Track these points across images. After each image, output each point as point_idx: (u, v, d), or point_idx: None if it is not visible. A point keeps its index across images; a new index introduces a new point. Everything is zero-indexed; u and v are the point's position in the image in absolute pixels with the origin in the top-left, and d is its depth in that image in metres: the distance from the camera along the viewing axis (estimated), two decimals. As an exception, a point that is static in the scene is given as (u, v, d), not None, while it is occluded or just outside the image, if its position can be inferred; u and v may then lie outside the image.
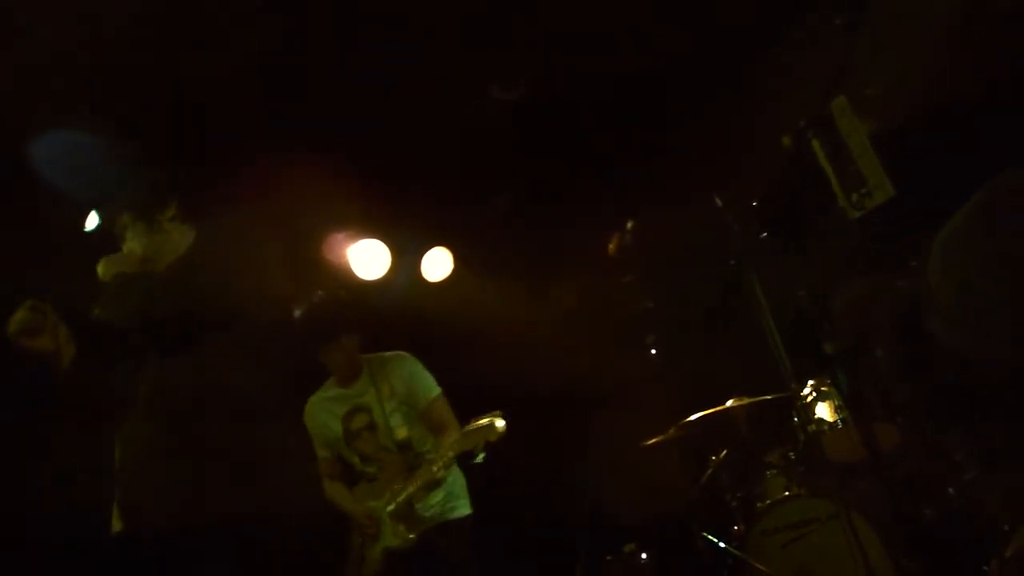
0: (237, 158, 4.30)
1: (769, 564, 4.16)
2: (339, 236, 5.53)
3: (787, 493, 4.39)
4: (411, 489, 3.93)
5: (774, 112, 3.90)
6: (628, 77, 4.91)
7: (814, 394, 4.35)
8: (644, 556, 5.06)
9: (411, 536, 3.90)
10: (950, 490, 3.82)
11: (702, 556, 4.53)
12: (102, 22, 3.60)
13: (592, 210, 5.58)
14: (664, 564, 5.09)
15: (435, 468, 3.88)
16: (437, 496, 4.05)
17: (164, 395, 2.43)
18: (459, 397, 4.34)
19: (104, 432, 2.55)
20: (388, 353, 4.32)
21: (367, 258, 5.56)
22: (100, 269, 2.58)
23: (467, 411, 4.16)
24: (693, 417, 4.59)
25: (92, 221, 4.24)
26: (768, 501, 4.40)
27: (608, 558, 5.19)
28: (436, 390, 4.19)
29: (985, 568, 2.41)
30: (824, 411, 4.32)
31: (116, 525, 2.45)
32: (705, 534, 4.53)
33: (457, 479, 4.19)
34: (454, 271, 5.85)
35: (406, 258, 5.72)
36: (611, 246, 5.31)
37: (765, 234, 2.64)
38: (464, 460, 4.00)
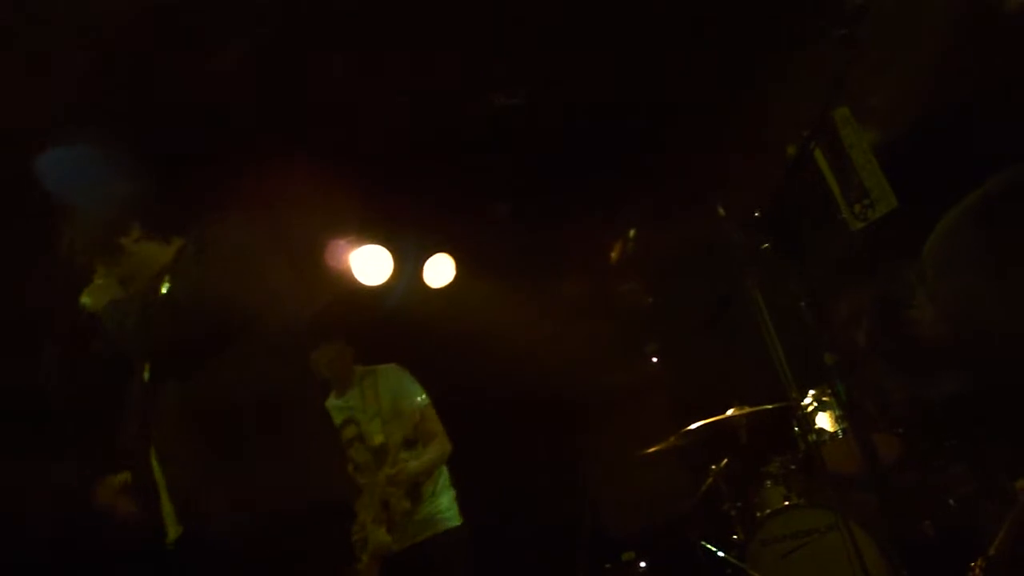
0: (238, 164, 4.31)
1: (768, 574, 4.16)
2: (341, 242, 5.54)
3: (787, 503, 4.38)
4: (387, 498, 3.96)
5: (778, 122, 3.91)
6: (632, 84, 4.92)
7: (815, 404, 4.35)
8: (643, 565, 5.06)
9: (393, 546, 3.90)
10: (950, 502, 3.82)
11: (701, 565, 4.53)
12: (97, 25, 3.60)
13: (595, 218, 5.58)
14: (663, 573, 5.08)
15: (384, 479, 3.92)
16: (424, 510, 4.05)
17: (193, 406, 2.44)
18: (460, 403, 4.34)
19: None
20: (380, 365, 4.34)
21: (369, 264, 5.57)
22: (87, 301, 2.58)
23: (467, 417, 4.18)
24: (693, 426, 4.58)
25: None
26: (767, 511, 4.40)
27: (607, 566, 5.19)
28: (421, 400, 4.18)
29: (972, 565, 2.42)
30: (825, 421, 4.32)
31: (173, 533, 2.47)
32: (704, 543, 4.53)
33: (445, 491, 4.18)
34: (456, 277, 5.85)
35: (408, 264, 5.72)
36: (613, 254, 5.32)
37: (767, 244, 2.64)
38: None
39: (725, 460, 4.63)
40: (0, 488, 4.10)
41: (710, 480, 4.66)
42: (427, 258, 5.81)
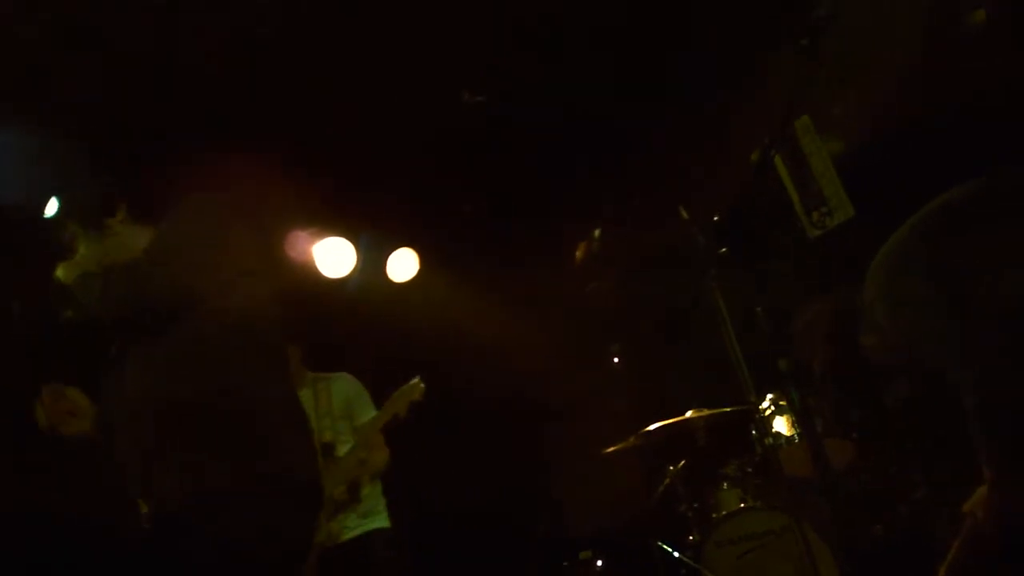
0: (200, 154, 4.26)
1: (723, 574, 4.18)
2: (304, 233, 5.50)
3: (742, 505, 4.42)
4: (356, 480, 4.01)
5: (742, 128, 3.93)
6: (599, 85, 4.93)
7: (772, 408, 4.39)
8: (599, 564, 5.07)
9: (331, 539, 3.91)
10: (900, 507, 3.86)
11: (657, 565, 4.55)
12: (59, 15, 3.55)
13: (559, 217, 5.58)
14: (619, 572, 5.10)
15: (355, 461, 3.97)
16: (353, 513, 4.06)
17: (153, 383, 2.38)
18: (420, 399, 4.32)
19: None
20: (334, 373, 4.34)
21: (332, 256, 5.53)
22: (60, 273, 2.53)
23: (427, 413, 4.17)
24: (652, 427, 4.60)
25: (52, 207, 4.17)
26: (723, 512, 4.43)
27: (564, 564, 5.20)
28: (372, 412, 4.20)
29: None
30: (782, 425, 4.35)
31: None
32: (660, 543, 4.55)
33: (375, 495, 4.18)
34: (420, 272, 5.83)
35: (371, 258, 5.69)
36: (578, 253, 5.32)
37: (725, 249, 2.65)
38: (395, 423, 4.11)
39: (683, 461, 4.66)
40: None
41: (667, 481, 4.68)
42: (391, 252, 5.78)
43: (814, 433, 3.00)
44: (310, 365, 4.33)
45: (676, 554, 4.43)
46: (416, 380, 4.15)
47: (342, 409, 4.17)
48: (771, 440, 4.34)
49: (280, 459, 2.35)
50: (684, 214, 4.06)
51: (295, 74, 4.53)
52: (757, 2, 4.27)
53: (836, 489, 3.50)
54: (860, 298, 2.01)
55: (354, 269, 5.58)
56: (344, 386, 4.28)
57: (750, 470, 4.55)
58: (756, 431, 4.46)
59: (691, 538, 4.51)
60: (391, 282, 5.77)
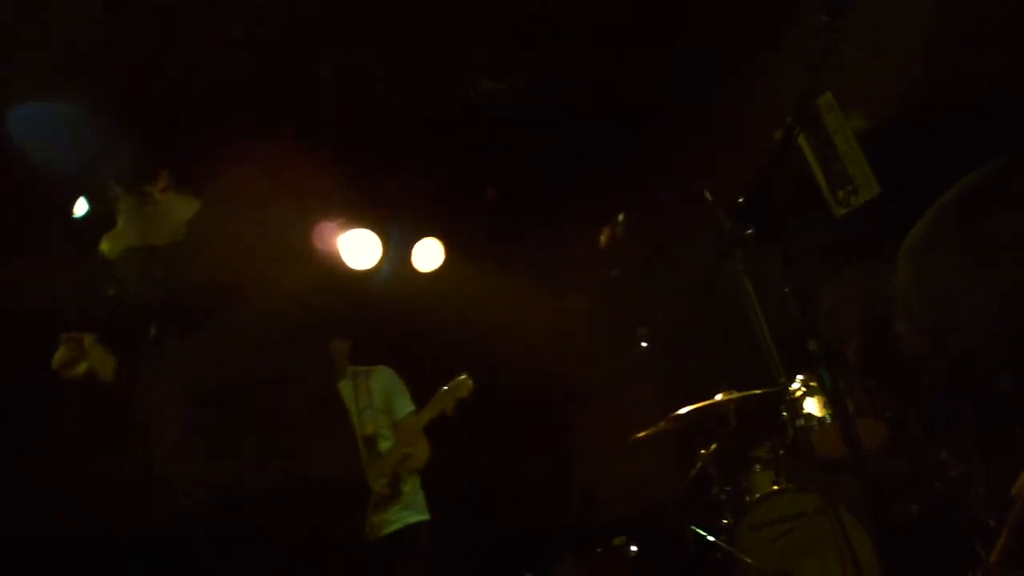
0: (224, 145, 4.28)
1: (757, 557, 4.16)
2: (330, 225, 5.51)
3: (775, 487, 4.38)
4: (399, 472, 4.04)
5: (766, 107, 3.88)
6: (621, 70, 4.89)
7: (803, 390, 4.34)
8: (633, 549, 5.07)
9: (373, 533, 3.94)
10: (936, 486, 3.82)
11: (691, 549, 4.53)
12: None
13: (583, 202, 5.55)
14: (653, 557, 5.09)
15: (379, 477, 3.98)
16: (395, 507, 4.07)
17: (191, 371, 2.34)
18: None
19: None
20: (374, 367, 4.39)
21: (358, 248, 5.54)
22: (104, 247, 2.51)
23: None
24: (683, 411, 4.58)
25: (81, 207, 4.21)
26: (756, 495, 4.40)
27: (598, 550, 5.20)
28: (411, 407, 4.25)
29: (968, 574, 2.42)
30: (813, 406, 4.31)
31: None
32: (693, 527, 4.53)
33: (414, 488, 4.20)
34: (445, 262, 5.83)
35: (397, 248, 5.70)
36: (602, 238, 5.29)
37: (750, 231, 2.62)
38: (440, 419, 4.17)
39: (714, 445, 4.62)
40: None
41: (699, 465, 4.66)
42: (416, 242, 5.78)
43: (846, 413, 2.97)
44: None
45: (710, 538, 4.40)
46: (464, 377, 4.24)
47: (382, 402, 4.21)
48: (803, 421, 4.30)
49: (320, 456, 2.31)
50: (708, 196, 4.01)
51: (313, 63, 4.53)
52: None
53: (868, 469, 3.46)
54: (892, 283, 1.97)
55: (380, 260, 5.59)
56: (383, 379, 4.31)
57: (782, 452, 4.50)
58: (787, 413, 4.42)
59: (724, 521, 4.48)
60: (417, 272, 5.78)
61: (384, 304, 5.54)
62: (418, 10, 4.41)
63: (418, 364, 4.45)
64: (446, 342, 5.37)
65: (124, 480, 3.22)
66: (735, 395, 4.55)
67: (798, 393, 4.36)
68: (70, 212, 3.68)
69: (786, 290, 2.76)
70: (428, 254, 5.80)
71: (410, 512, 4.11)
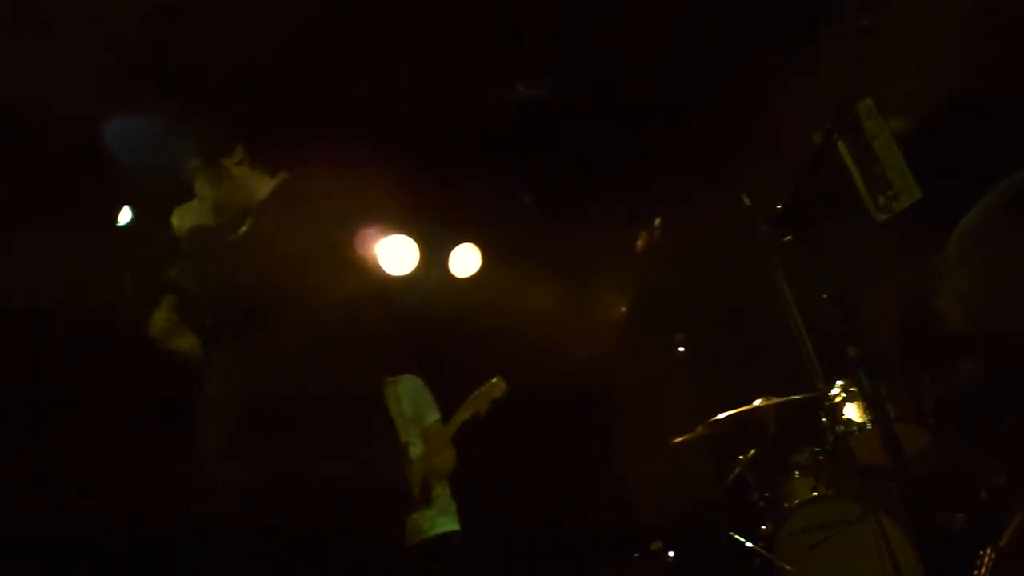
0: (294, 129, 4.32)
1: (796, 565, 4.12)
2: (369, 231, 5.53)
3: (815, 494, 4.34)
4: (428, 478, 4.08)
5: (804, 111, 3.85)
6: (658, 73, 4.87)
7: (843, 395, 4.29)
8: (671, 554, 5.04)
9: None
10: (981, 494, 3.76)
11: (729, 555, 4.51)
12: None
13: (620, 207, 5.54)
14: (691, 563, 5.07)
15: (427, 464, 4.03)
16: (427, 513, 4.10)
17: (240, 375, 2.35)
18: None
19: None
20: (400, 376, 4.42)
21: (395, 254, 5.57)
22: (175, 221, 2.51)
23: (491, 407, 4.21)
24: (721, 416, 4.55)
25: (125, 215, 4.27)
26: (795, 501, 4.36)
27: (635, 555, 5.18)
28: (437, 415, 4.29)
29: (980, 553, 2.39)
30: (853, 412, 4.26)
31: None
32: (732, 533, 4.50)
33: (444, 495, 4.22)
34: (482, 267, 5.85)
35: (434, 254, 5.72)
36: (639, 242, 5.27)
37: (789, 236, 2.61)
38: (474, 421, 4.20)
39: (752, 450, 4.59)
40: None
41: (737, 470, 4.63)
42: (453, 248, 5.80)
43: (887, 419, 2.95)
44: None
45: (749, 544, 4.37)
46: (497, 379, 4.27)
47: (411, 410, 4.26)
48: (842, 428, 4.25)
49: (366, 463, 2.31)
50: (746, 201, 4.00)
51: (356, 69, 4.57)
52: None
53: (910, 476, 3.42)
54: (938, 262, 1.97)
55: (417, 266, 5.61)
56: (411, 387, 4.35)
57: (822, 458, 4.46)
58: (827, 418, 4.38)
59: (763, 528, 4.45)
60: (454, 278, 5.80)
61: (421, 310, 5.56)
62: (453, 14, 4.43)
63: (454, 369, 4.47)
64: (482, 347, 5.37)
65: (172, 480, 3.24)
66: (774, 400, 4.51)
67: (838, 399, 4.31)
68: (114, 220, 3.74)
69: (825, 296, 2.75)
70: (465, 259, 5.82)
71: (441, 520, 4.14)
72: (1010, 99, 3.05)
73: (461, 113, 5.01)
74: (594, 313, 5.85)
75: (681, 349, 5.32)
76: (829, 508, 4.21)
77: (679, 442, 4.74)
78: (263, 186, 2.56)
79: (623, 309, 5.93)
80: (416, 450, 4.17)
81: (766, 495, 4.54)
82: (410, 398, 4.29)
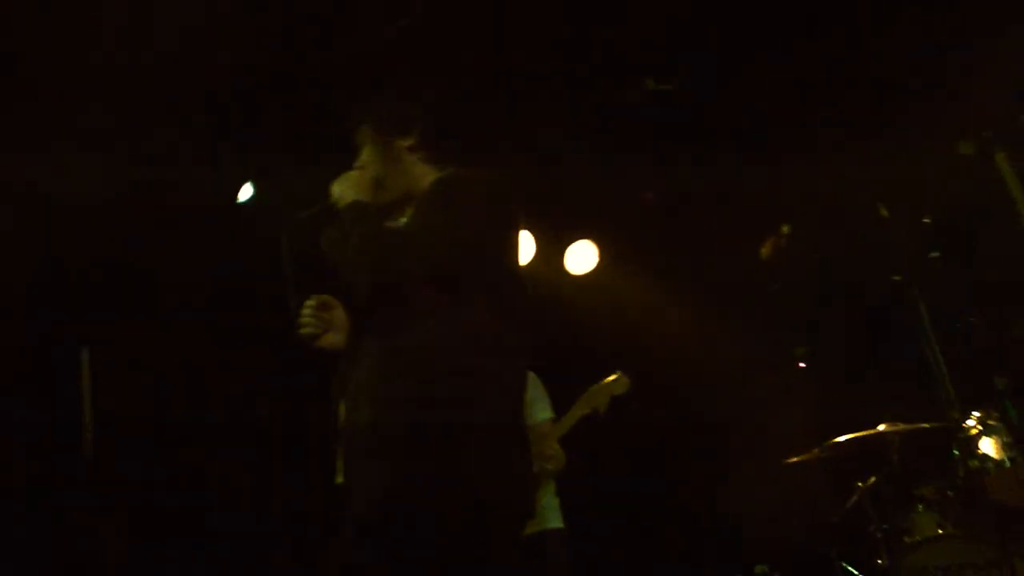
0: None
1: (913, 605, 3.86)
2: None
3: (940, 531, 4.05)
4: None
5: (954, 119, 3.59)
6: (793, 72, 4.68)
7: (979, 427, 3.99)
8: (775, 579, 4.83)
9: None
10: None
11: (839, 587, 4.27)
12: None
13: (745, 209, 5.33)
14: (796, 590, 4.84)
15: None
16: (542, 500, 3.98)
17: (375, 373, 2.23)
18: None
19: None
20: None
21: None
22: (335, 189, 2.41)
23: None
24: (841, 438, 4.31)
25: (246, 192, 4.34)
26: (918, 537, 4.09)
27: (736, 577, 4.99)
28: (550, 413, 4.08)
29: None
30: (989, 447, 3.96)
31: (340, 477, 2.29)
32: (844, 564, 4.27)
33: (549, 494, 4.08)
34: (599, 265, 5.73)
35: (549, 249, 5.64)
36: (764, 249, 5.03)
37: (936, 253, 2.39)
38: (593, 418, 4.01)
39: (873, 478, 4.32)
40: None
41: (855, 498, 4.37)
42: (569, 244, 5.71)
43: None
44: None
45: (861, 577, 4.13)
46: (618, 374, 4.04)
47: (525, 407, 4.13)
48: (976, 463, 3.95)
49: (497, 486, 2.17)
50: (884, 212, 3.75)
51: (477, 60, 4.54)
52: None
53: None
54: None
55: (531, 261, 5.53)
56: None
57: (951, 494, 4.15)
58: (959, 451, 4.07)
59: (879, 562, 4.19)
60: (569, 275, 5.71)
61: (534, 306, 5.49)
62: (581, 7, 4.35)
63: (562, 369, 4.35)
64: (592, 349, 5.27)
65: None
66: (900, 427, 4.23)
67: (973, 431, 4.01)
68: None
69: (972, 319, 2.53)
70: (582, 256, 5.72)
71: (544, 519, 4.01)
72: None
73: (586, 107, 4.93)
74: (712, 320, 5.66)
75: (802, 364, 5.07)
76: (956, 549, 3.92)
77: (794, 462, 4.52)
78: (425, 179, 2.44)
79: (743, 317, 5.71)
80: None
81: (884, 527, 4.27)
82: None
